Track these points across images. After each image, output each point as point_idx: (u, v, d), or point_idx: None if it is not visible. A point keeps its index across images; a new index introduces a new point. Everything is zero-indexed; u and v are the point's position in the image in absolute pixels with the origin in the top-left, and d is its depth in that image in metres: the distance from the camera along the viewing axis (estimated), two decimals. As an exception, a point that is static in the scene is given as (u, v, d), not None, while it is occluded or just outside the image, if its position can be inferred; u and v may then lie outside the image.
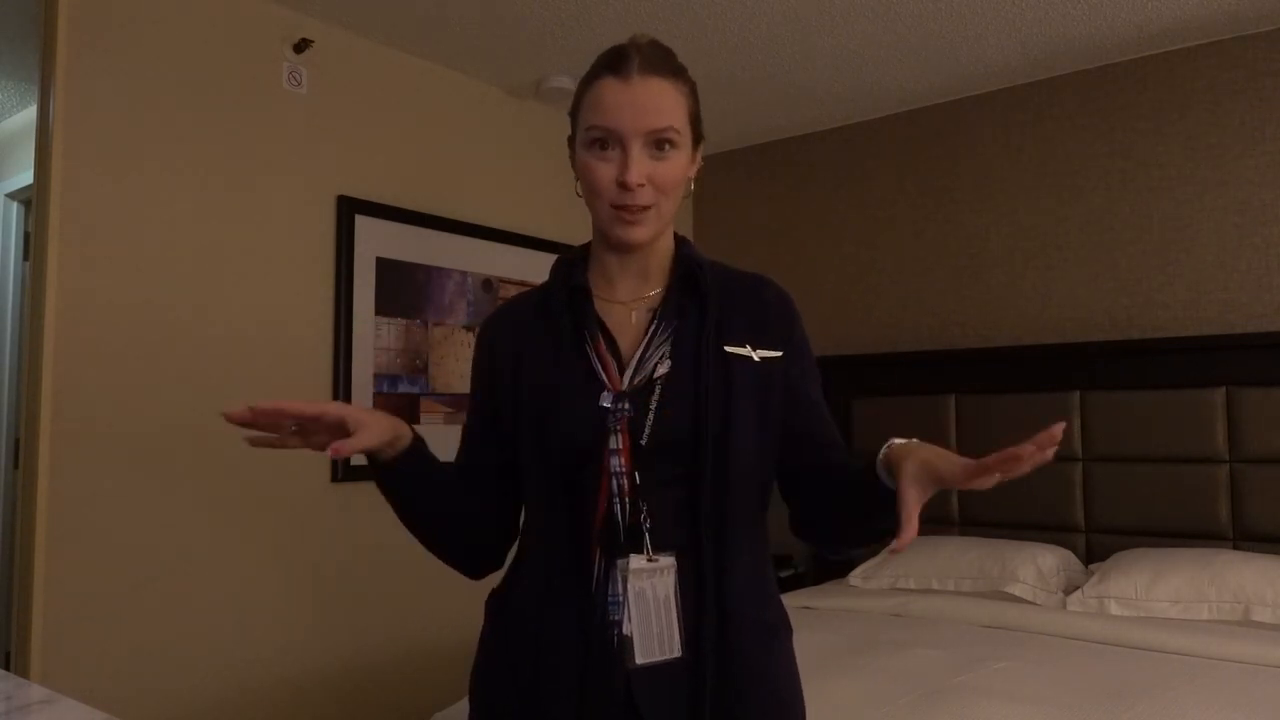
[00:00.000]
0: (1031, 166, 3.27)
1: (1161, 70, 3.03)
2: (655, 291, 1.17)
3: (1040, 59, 3.10)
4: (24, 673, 2.15)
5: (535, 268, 3.40)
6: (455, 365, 3.14)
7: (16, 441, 2.86)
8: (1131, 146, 3.07)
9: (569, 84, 3.24)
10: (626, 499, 1.06)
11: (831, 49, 3.03)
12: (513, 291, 3.33)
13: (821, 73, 3.22)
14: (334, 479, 2.77)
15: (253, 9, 2.65)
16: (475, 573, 1.24)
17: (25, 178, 3.39)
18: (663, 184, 1.08)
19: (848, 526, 1.11)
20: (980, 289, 3.36)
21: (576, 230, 3.52)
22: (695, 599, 1.07)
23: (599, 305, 1.15)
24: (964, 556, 2.83)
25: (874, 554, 3.08)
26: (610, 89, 1.07)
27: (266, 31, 2.68)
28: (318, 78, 2.80)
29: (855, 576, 3.00)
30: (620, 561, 1.05)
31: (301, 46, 2.73)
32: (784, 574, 3.50)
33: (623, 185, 1.06)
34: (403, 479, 1.13)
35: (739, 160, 4.01)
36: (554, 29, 2.88)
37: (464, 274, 3.19)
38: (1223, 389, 2.78)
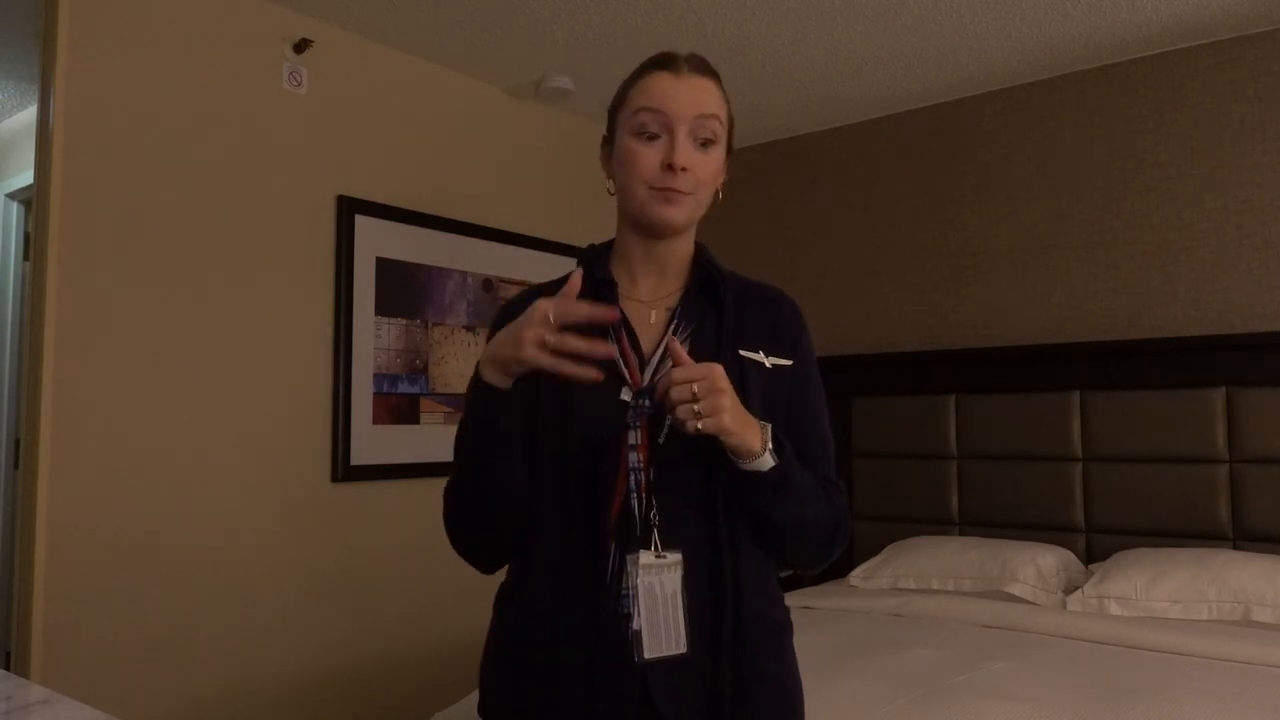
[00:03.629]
0: (1031, 166, 3.27)
1: (1161, 70, 3.03)
2: (673, 292, 1.20)
3: (1040, 59, 3.10)
4: (24, 673, 2.15)
5: (535, 268, 3.40)
6: (455, 365, 3.14)
7: (16, 441, 2.86)
8: (1131, 146, 3.07)
9: (569, 84, 3.24)
10: (643, 495, 1.08)
11: (831, 49, 3.03)
12: (513, 291, 3.33)
13: (822, 73, 3.22)
14: (334, 479, 2.77)
15: (253, 9, 2.65)
16: (496, 565, 1.20)
17: (25, 178, 3.39)
18: (702, 176, 1.14)
19: (754, 529, 1.13)
20: (980, 289, 3.36)
21: (577, 230, 3.53)
22: (711, 598, 1.09)
23: (622, 302, 1.18)
24: (964, 556, 2.83)
25: (871, 554, 3.09)
26: (662, 79, 1.14)
27: (266, 31, 2.68)
28: (318, 78, 2.80)
29: (855, 576, 2.99)
30: (630, 556, 1.07)
31: (301, 46, 2.73)
32: (783, 574, 3.49)
33: (669, 167, 1.11)
34: (510, 408, 1.07)
35: (739, 160, 4.01)
36: (554, 29, 2.88)
37: (464, 274, 3.19)
38: (1223, 389, 2.78)
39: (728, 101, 1.19)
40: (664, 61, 1.16)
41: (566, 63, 3.13)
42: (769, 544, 1.15)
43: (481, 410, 1.08)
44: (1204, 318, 2.91)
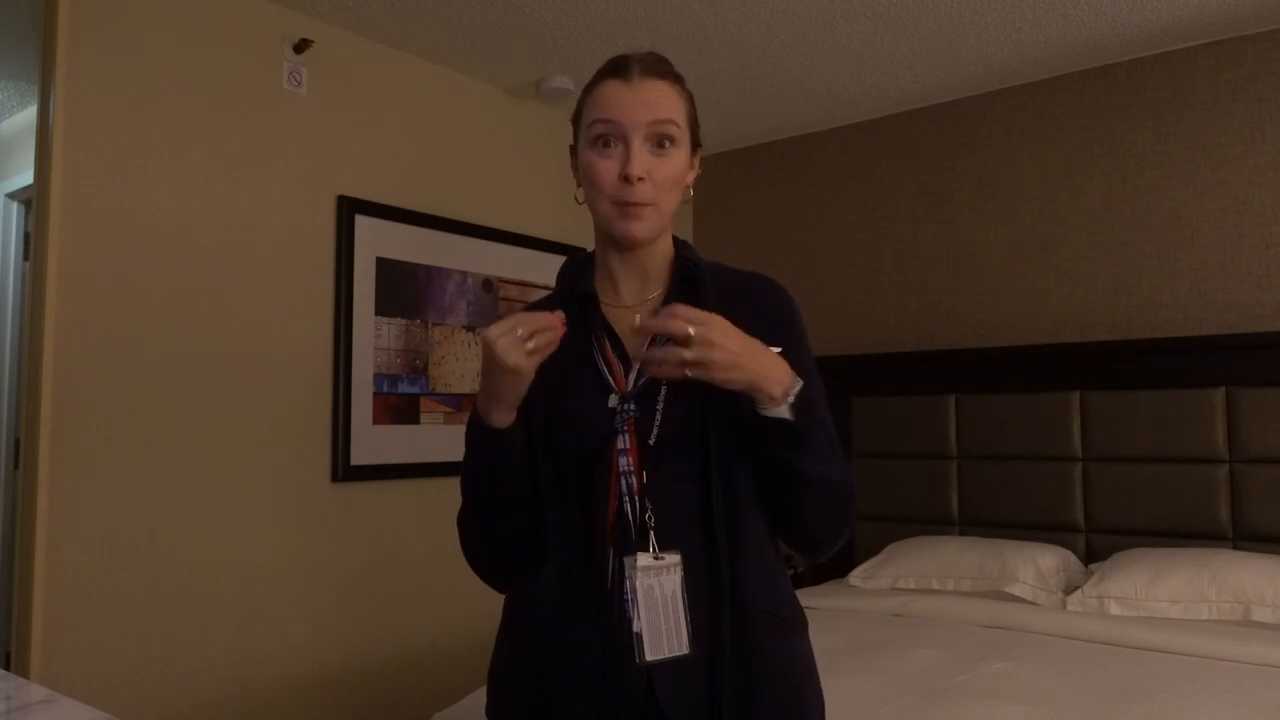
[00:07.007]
0: (1031, 166, 3.27)
1: (1161, 70, 3.03)
2: (657, 294, 1.20)
3: (1040, 59, 3.10)
4: (24, 673, 2.15)
5: (535, 268, 3.41)
6: (455, 365, 3.14)
7: (16, 441, 2.86)
8: (1131, 146, 3.07)
9: (569, 84, 3.24)
10: (636, 498, 1.09)
11: (831, 49, 3.03)
12: (513, 292, 3.34)
13: (821, 73, 3.22)
14: (334, 479, 2.77)
15: (253, 9, 2.65)
16: (511, 580, 1.22)
17: (25, 178, 3.39)
18: (662, 180, 1.12)
19: (775, 490, 1.13)
20: (980, 289, 3.36)
21: (576, 231, 3.52)
22: (711, 597, 1.09)
23: (605, 310, 1.18)
24: (964, 556, 2.83)
25: (871, 554, 3.09)
26: (613, 88, 1.13)
27: (266, 31, 2.68)
28: (318, 78, 2.80)
29: (855, 576, 3.00)
30: (628, 559, 1.07)
31: (301, 46, 2.73)
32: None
33: (624, 178, 1.10)
34: (515, 444, 1.12)
35: (739, 160, 4.01)
36: (554, 29, 2.88)
37: (464, 274, 3.19)
38: (1223, 389, 2.78)
39: (690, 99, 1.18)
40: (616, 68, 1.14)
41: (566, 63, 3.13)
42: (790, 506, 1.12)
43: (491, 452, 1.11)
44: (1204, 318, 2.91)
